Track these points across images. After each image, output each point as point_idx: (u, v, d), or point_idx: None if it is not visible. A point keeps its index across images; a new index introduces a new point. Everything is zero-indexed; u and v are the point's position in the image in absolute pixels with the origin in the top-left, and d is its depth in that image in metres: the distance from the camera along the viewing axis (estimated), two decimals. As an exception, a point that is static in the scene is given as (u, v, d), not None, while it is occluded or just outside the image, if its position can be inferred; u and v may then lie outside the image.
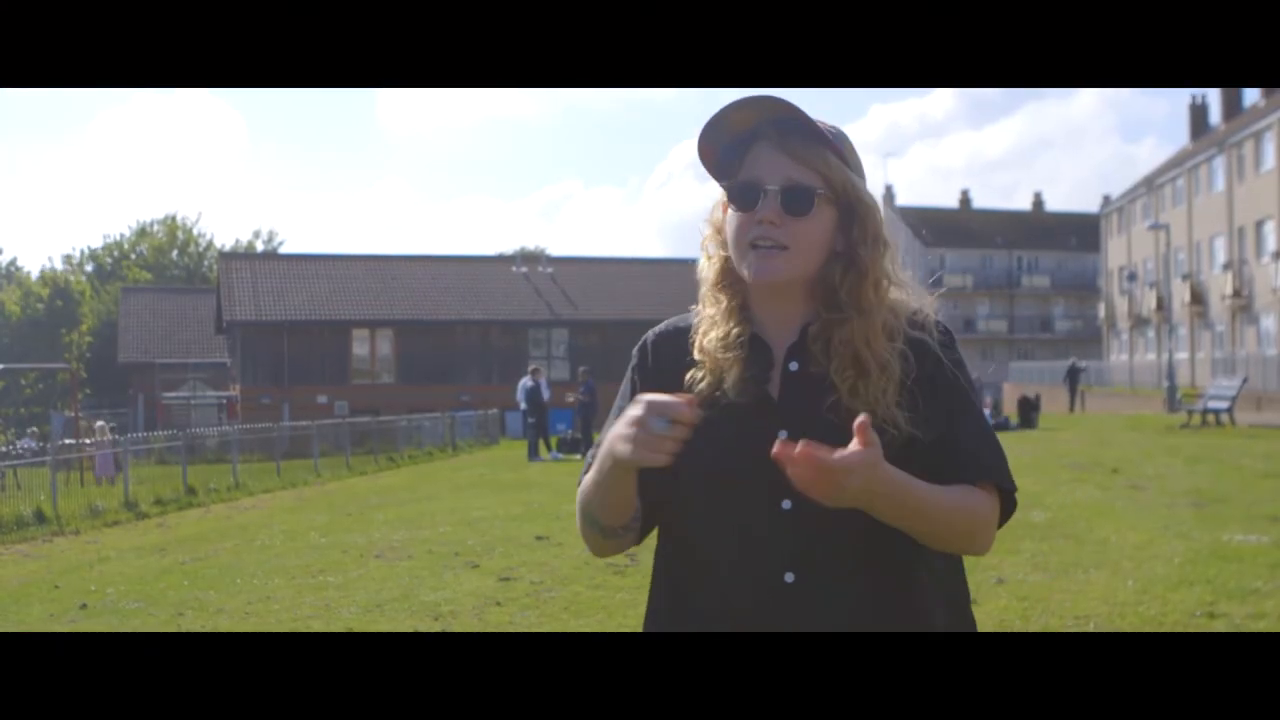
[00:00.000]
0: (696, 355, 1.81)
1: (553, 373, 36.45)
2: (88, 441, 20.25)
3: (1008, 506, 1.76)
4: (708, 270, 1.85)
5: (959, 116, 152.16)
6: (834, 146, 1.77)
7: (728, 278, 1.82)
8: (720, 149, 1.80)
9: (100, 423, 23.58)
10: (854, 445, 1.51)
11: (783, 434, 1.68)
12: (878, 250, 1.78)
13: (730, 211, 1.80)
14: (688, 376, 1.80)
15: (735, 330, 1.80)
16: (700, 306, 1.86)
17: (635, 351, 1.91)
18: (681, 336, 1.86)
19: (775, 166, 1.75)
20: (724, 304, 1.82)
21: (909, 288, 1.82)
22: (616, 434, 1.62)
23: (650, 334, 1.91)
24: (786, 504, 1.70)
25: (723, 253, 1.83)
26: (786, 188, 1.74)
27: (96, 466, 19.33)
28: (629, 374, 1.89)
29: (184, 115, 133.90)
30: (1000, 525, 1.77)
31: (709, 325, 1.83)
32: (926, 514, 1.65)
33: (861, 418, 1.53)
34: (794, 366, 1.77)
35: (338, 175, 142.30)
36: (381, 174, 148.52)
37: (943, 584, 1.80)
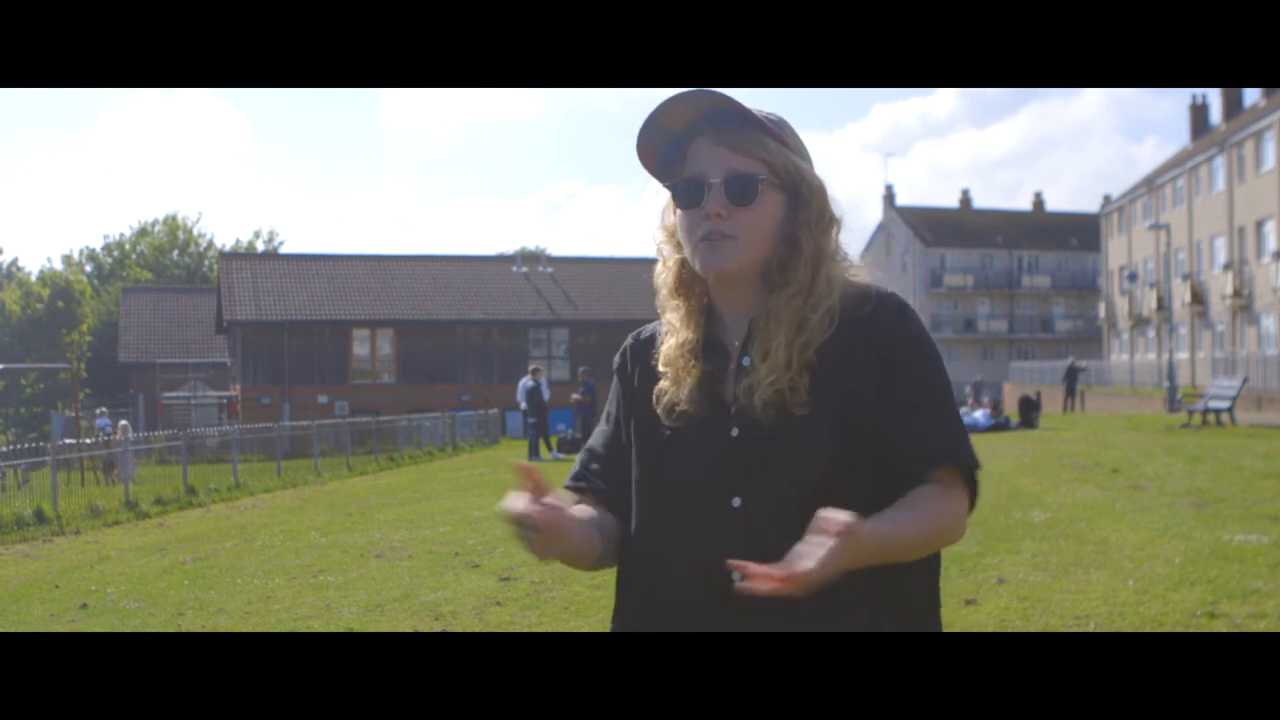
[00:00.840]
0: (661, 367, 1.82)
1: (553, 373, 36.44)
2: (88, 441, 20.23)
3: (972, 485, 1.73)
4: (665, 275, 1.85)
5: (962, 116, 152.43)
6: (773, 132, 1.76)
7: (686, 279, 1.83)
8: (660, 151, 1.80)
9: (124, 423, 23.68)
10: (815, 539, 1.51)
11: (734, 431, 1.72)
12: (820, 229, 1.77)
13: (679, 211, 1.79)
14: (655, 390, 1.81)
15: (690, 336, 1.80)
16: (661, 313, 1.86)
17: (617, 356, 1.94)
18: (656, 343, 1.88)
19: (716, 159, 1.74)
20: (683, 308, 1.82)
21: (856, 266, 1.81)
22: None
23: (630, 339, 1.94)
24: (736, 501, 1.71)
25: (678, 255, 1.83)
26: (729, 178, 1.73)
27: (121, 467, 19.15)
28: (614, 379, 1.93)
29: (185, 115, 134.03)
30: (969, 508, 1.74)
31: (669, 331, 1.84)
32: (906, 551, 1.65)
33: (824, 516, 1.51)
34: (747, 362, 1.77)
35: (338, 175, 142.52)
36: (382, 174, 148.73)
37: (894, 585, 1.75)
